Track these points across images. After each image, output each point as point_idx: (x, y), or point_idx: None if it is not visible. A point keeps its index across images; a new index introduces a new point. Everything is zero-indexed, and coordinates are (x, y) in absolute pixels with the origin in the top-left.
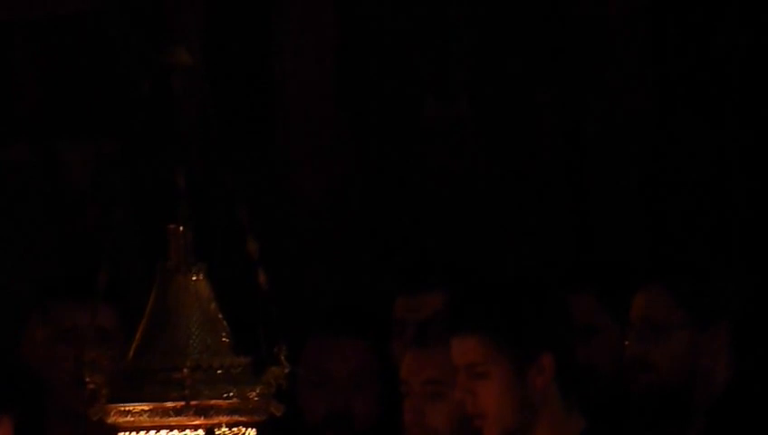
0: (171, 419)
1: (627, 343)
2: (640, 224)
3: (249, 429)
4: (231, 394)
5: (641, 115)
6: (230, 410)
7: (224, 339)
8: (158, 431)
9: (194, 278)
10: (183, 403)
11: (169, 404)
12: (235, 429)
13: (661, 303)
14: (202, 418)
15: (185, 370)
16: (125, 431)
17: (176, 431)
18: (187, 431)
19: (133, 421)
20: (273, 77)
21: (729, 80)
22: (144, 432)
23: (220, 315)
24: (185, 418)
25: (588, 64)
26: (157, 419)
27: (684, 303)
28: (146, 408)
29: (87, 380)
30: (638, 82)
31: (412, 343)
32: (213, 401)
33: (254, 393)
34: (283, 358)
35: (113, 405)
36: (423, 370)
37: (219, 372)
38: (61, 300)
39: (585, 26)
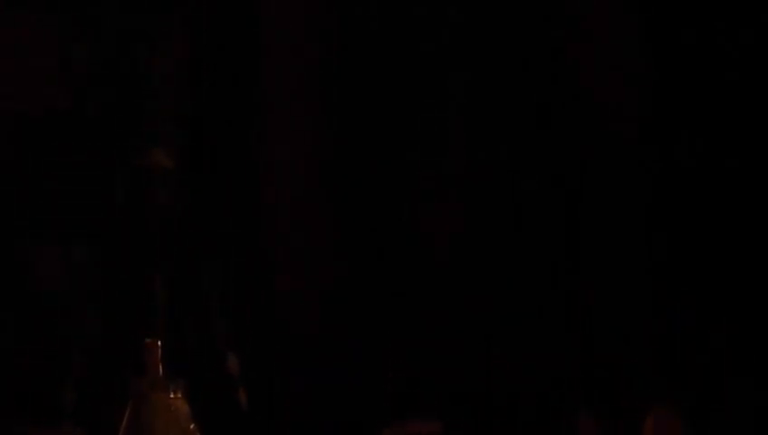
0: None
1: None
2: (645, 337)
3: None
4: None
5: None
6: None
7: None
8: None
9: (172, 396)
10: None
11: None
12: None
13: (670, 425)
14: None
15: None
16: None
17: None
18: None
19: None
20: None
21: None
22: None
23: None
24: None
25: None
26: None
27: (692, 424)
28: None
29: None
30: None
31: None
32: None
33: None
34: None
35: None
36: None
37: None
38: (22, 422)
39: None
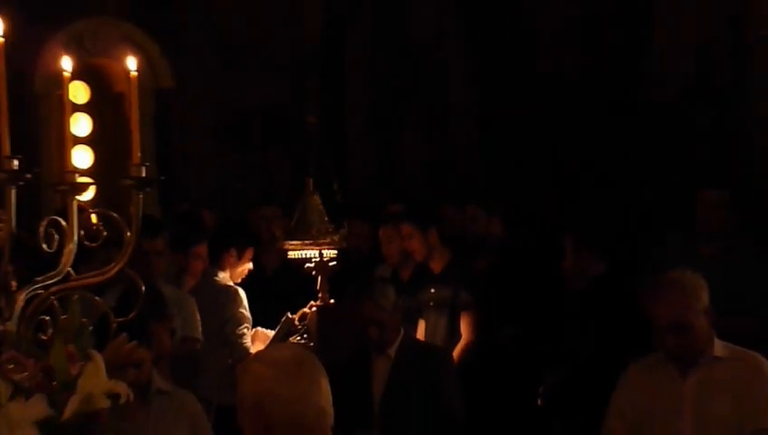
0: (307, 247)
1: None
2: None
3: (333, 252)
4: (327, 239)
5: None
6: (326, 244)
7: (325, 219)
8: (302, 251)
9: (315, 196)
10: (311, 241)
11: (306, 242)
12: (326, 251)
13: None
14: (316, 247)
15: (312, 231)
16: (290, 251)
17: (308, 251)
18: (313, 251)
19: (293, 247)
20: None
21: None
22: (297, 252)
23: (323, 209)
24: (311, 246)
25: None
26: (303, 246)
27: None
28: (298, 243)
29: (275, 231)
30: None
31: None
32: (320, 240)
33: (337, 237)
34: (345, 230)
35: (285, 241)
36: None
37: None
38: (259, 209)
39: None
